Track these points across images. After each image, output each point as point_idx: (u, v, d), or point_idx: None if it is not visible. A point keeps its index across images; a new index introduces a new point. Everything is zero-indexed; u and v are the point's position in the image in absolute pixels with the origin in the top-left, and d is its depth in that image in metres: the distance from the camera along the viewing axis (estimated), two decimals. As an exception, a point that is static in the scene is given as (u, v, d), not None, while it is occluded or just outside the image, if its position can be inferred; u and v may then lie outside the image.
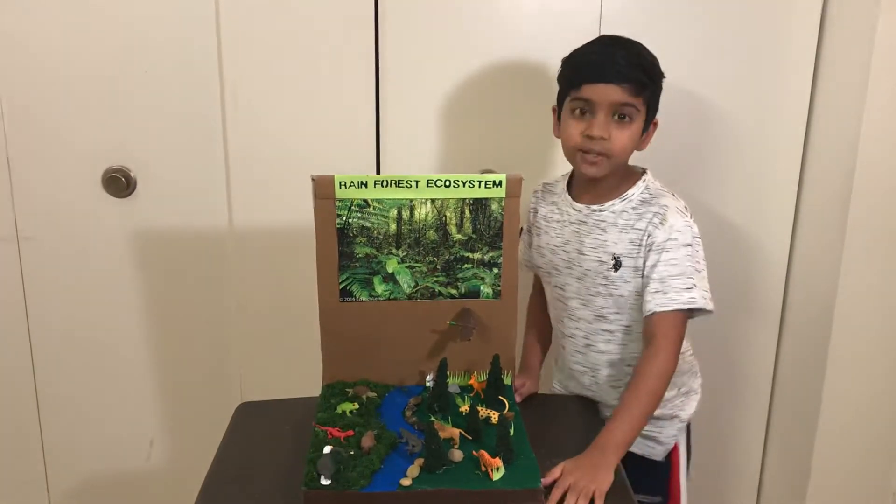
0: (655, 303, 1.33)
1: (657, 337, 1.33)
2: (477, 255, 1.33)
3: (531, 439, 1.21)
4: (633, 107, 1.34)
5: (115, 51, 1.70)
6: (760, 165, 1.80)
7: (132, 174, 1.78)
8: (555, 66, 1.70)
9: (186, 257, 1.84)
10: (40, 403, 1.92)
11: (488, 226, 1.31)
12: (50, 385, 1.91)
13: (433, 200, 1.29)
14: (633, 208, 1.39)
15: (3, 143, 1.75)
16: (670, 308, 1.33)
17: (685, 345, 1.46)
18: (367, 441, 1.18)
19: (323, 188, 1.27)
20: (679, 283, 1.33)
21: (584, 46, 1.39)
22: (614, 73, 1.32)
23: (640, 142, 1.40)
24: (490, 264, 1.33)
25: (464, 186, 1.28)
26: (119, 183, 1.77)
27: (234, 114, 1.73)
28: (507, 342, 1.36)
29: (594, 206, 1.42)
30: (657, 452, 1.51)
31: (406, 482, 1.12)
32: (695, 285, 1.33)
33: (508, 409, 1.28)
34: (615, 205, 1.40)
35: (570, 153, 1.39)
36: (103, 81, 1.72)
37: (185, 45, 1.71)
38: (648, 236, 1.36)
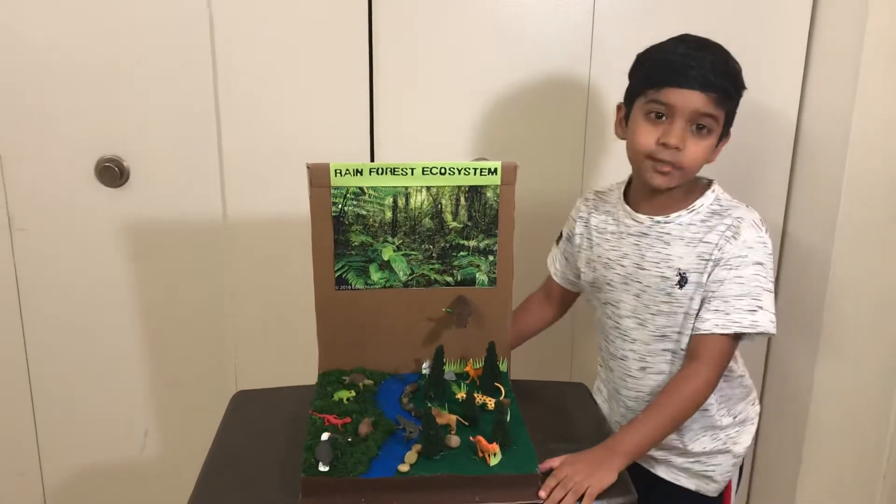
0: (714, 323, 1.26)
1: (703, 357, 1.26)
2: (472, 243, 1.33)
3: (527, 425, 1.22)
4: (713, 118, 1.25)
5: (108, 40, 1.69)
6: (751, 159, 1.81)
7: (125, 164, 1.77)
8: (548, 54, 1.72)
9: (180, 247, 1.83)
10: (34, 394, 1.92)
11: (484, 213, 1.31)
12: (44, 376, 1.91)
13: (429, 188, 1.29)
14: (703, 220, 1.30)
15: (-5, 134, 1.74)
16: (730, 331, 1.26)
17: (742, 369, 1.42)
18: (365, 428, 1.18)
19: (318, 176, 1.27)
20: (743, 305, 1.25)
21: (667, 44, 1.28)
22: (701, 78, 1.22)
23: (713, 153, 1.31)
24: (485, 252, 1.34)
25: (459, 174, 1.28)
26: (112, 173, 1.76)
27: (227, 103, 1.73)
28: (502, 329, 1.37)
29: (658, 218, 1.32)
30: (711, 489, 1.43)
31: (404, 468, 1.12)
32: (760, 307, 1.25)
33: (504, 396, 1.29)
34: (682, 216, 1.31)
35: (638, 159, 1.29)
36: (96, 71, 1.71)
37: (179, 34, 1.70)
38: (719, 250, 1.27)
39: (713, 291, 1.27)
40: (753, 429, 1.45)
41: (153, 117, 1.75)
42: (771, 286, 1.28)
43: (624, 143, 1.35)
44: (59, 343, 1.89)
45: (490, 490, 1.12)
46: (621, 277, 1.37)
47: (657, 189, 1.30)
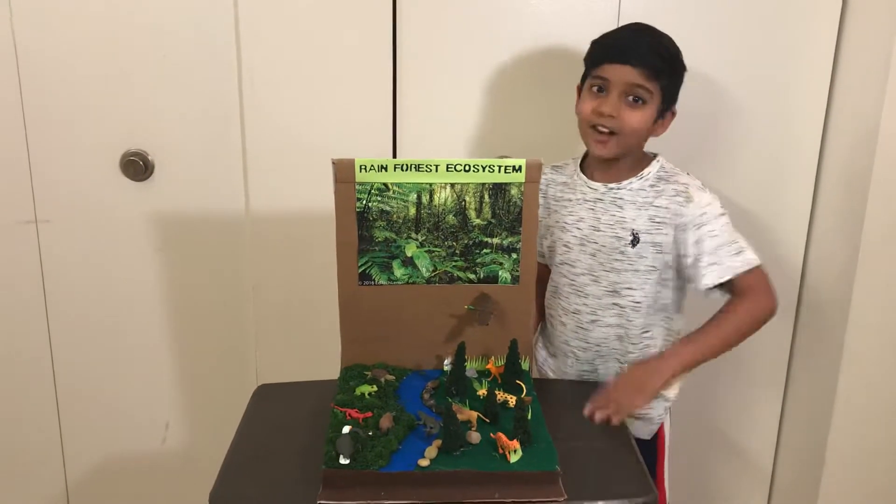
0: (716, 275, 1.40)
1: (749, 287, 1.40)
2: (496, 240, 1.33)
3: (548, 423, 1.22)
4: (645, 89, 1.38)
5: (134, 35, 1.71)
6: (777, 158, 1.80)
7: (150, 158, 1.79)
8: (572, 53, 1.71)
9: (203, 241, 1.85)
10: (58, 386, 1.94)
11: (507, 211, 1.31)
12: (67, 368, 1.93)
13: (453, 185, 1.30)
14: (651, 185, 1.44)
15: (23, 128, 1.76)
16: (735, 273, 1.39)
17: (679, 325, 1.54)
18: (386, 422, 1.19)
19: (343, 172, 1.28)
20: (728, 251, 1.40)
21: (613, 30, 1.48)
22: (633, 55, 1.37)
23: (655, 128, 1.44)
24: (509, 249, 1.34)
25: (483, 171, 1.29)
26: (137, 167, 1.78)
27: (251, 98, 1.74)
28: (524, 327, 1.37)
29: (611, 185, 1.46)
30: (645, 432, 1.54)
31: (424, 463, 1.13)
32: (742, 248, 1.40)
33: (526, 394, 1.29)
34: (633, 183, 1.45)
35: (583, 129, 1.45)
36: (122, 66, 1.73)
37: (204, 28, 1.71)
38: (676, 216, 1.41)
39: (697, 253, 1.41)
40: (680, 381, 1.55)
41: (178, 112, 1.76)
42: (735, 232, 1.43)
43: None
44: (83, 335, 1.91)
45: (510, 487, 1.12)
46: (577, 239, 1.49)
47: (602, 158, 1.44)
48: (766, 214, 1.83)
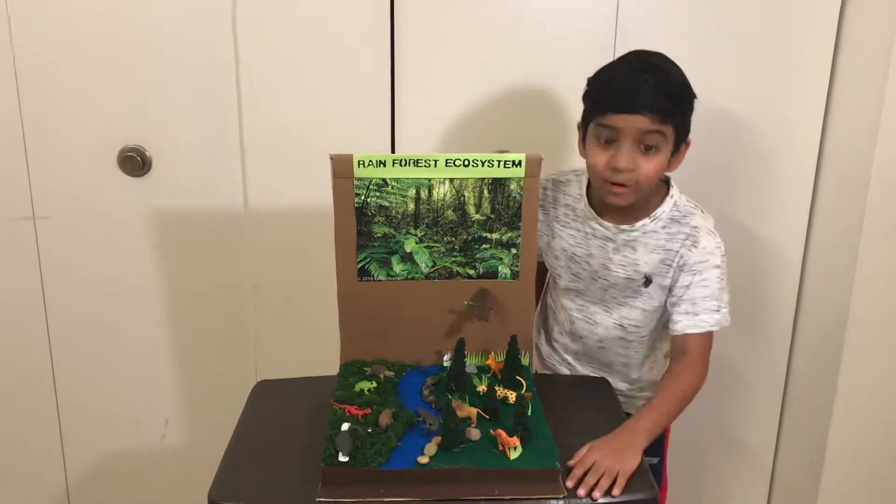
0: (686, 323, 1.38)
1: (691, 353, 1.37)
2: (495, 236, 1.32)
3: (548, 420, 1.22)
4: (660, 134, 1.30)
5: (131, 30, 1.70)
6: (775, 164, 1.79)
7: (147, 154, 1.78)
8: (569, 49, 1.71)
9: (202, 237, 1.84)
10: (57, 383, 1.93)
11: (507, 206, 1.30)
12: (66, 364, 1.92)
13: (452, 180, 1.29)
14: (663, 227, 1.40)
15: (20, 124, 1.75)
16: (701, 330, 1.38)
17: (666, 348, 1.52)
18: (385, 419, 1.18)
19: (341, 167, 1.27)
20: (709, 305, 1.38)
21: (610, 68, 1.36)
22: (640, 102, 1.28)
23: (671, 164, 1.37)
24: (508, 245, 1.33)
25: (482, 166, 1.28)
26: (134, 162, 1.77)
27: (249, 93, 1.73)
28: (524, 323, 1.36)
29: (623, 226, 1.40)
30: None
31: (423, 460, 1.12)
32: (720, 308, 1.38)
33: (526, 390, 1.28)
34: (646, 225, 1.40)
35: (596, 181, 1.37)
36: (119, 61, 1.71)
37: (202, 24, 1.70)
38: (680, 258, 1.39)
39: (681, 295, 1.39)
40: None
41: (175, 107, 1.75)
42: (726, 285, 1.40)
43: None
44: (82, 331, 1.90)
45: (509, 483, 1.11)
46: (588, 273, 1.46)
47: (618, 206, 1.38)
48: (765, 213, 1.82)
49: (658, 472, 1.58)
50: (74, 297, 1.88)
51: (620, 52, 1.70)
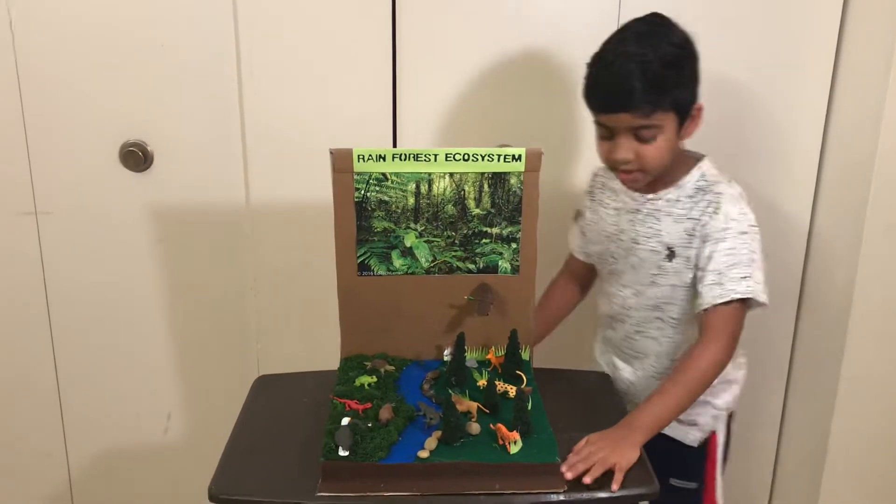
0: (712, 295, 1.30)
1: (714, 327, 1.30)
2: (495, 230, 1.32)
3: (548, 414, 1.22)
4: (651, 126, 1.28)
5: (132, 25, 1.70)
6: (778, 155, 1.78)
7: (149, 149, 1.78)
8: (571, 43, 1.70)
9: (203, 232, 1.84)
10: (59, 377, 1.94)
11: (507, 200, 1.30)
12: (69, 359, 1.93)
13: (452, 174, 1.29)
14: (689, 196, 1.36)
15: (21, 119, 1.75)
16: (727, 299, 1.29)
17: None
18: (385, 413, 1.18)
19: (341, 162, 1.27)
20: (735, 273, 1.29)
21: (593, 62, 1.32)
22: (621, 102, 1.27)
23: (683, 133, 1.34)
24: (508, 239, 1.33)
25: (483, 160, 1.28)
26: (136, 157, 1.77)
27: (251, 88, 1.73)
28: (524, 317, 1.36)
29: (649, 195, 1.39)
30: (691, 438, 1.47)
31: (423, 454, 1.13)
32: (750, 275, 1.29)
33: (526, 384, 1.28)
34: (669, 193, 1.37)
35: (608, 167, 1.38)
36: (120, 56, 1.71)
37: (203, 18, 1.70)
38: (702, 226, 1.33)
39: (705, 267, 1.32)
40: (737, 390, 1.50)
41: (177, 102, 1.75)
42: (758, 256, 1.31)
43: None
44: (84, 326, 1.91)
45: (510, 478, 1.12)
46: (622, 251, 1.43)
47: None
48: (767, 210, 1.79)
49: (697, 500, 1.52)
50: (76, 292, 1.88)
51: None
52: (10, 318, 1.89)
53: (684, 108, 1.32)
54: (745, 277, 1.29)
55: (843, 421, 1.78)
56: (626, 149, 1.30)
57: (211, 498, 1.14)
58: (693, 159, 1.39)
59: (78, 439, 1.99)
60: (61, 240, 1.84)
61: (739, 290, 1.28)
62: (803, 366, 1.91)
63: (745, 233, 1.31)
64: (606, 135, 1.32)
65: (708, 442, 1.50)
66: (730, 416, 1.52)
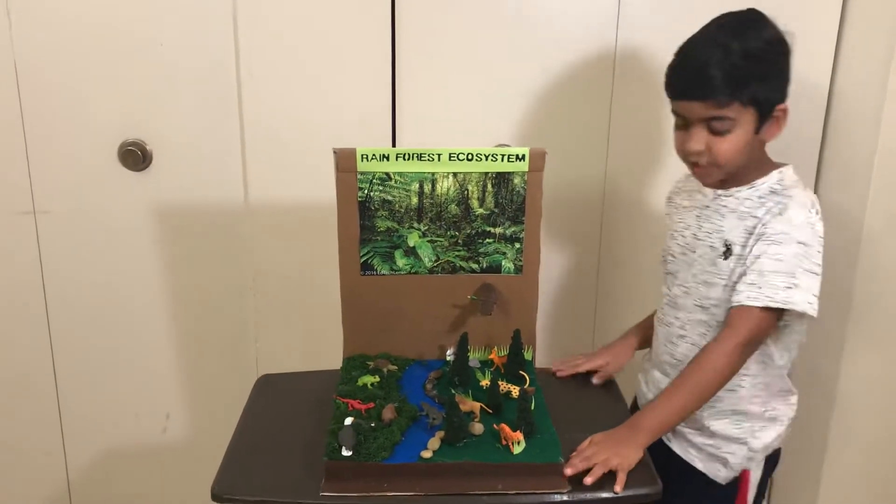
0: (746, 294, 1.24)
1: (733, 327, 1.25)
2: (499, 230, 1.32)
3: (551, 414, 1.22)
4: (725, 118, 1.25)
5: (131, 23, 1.69)
6: (780, 147, 1.77)
7: (148, 148, 1.77)
8: (573, 41, 1.70)
9: (203, 231, 1.84)
10: (58, 376, 1.93)
11: (510, 200, 1.30)
12: (67, 358, 1.92)
13: (455, 174, 1.29)
14: (760, 197, 1.31)
15: (20, 118, 1.74)
16: (760, 304, 1.23)
17: (784, 361, 1.38)
18: (388, 413, 1.18)
19: (345, 161, 1.27)
20: (779, 281, 1.23)
21: (680, 50, 1.30)
22: (697, 91, 1.25)
23: (763, 135, 1.30)
24: (512, 239, 1.33)
25: (486, 160, 1.28)
26: (135, 156, 1.77)
27: (249, 87, 1.72)
28: (527, 317, 1.36)
29: (720, 192, 1.34)
30: (720, 476, 1.39)
31: (427, 454, 1.12)
32: (797, 285, 1.23)
33: (529, 384, 1.28)
34: (741, 191, 1.32)
35: (684, 163, 1.34)
36: (119, 54, 1.71)
37: (202, 17, 1.69)
38: (763, 225, 1.27)
39: (750, 265, 1.26)
40: (782, 430, 1.40)
41: (176, 101, 1.74)
42: (816, 269, 1.26)
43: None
44: (82, 325, 1.90)
45: (513, 478, 1.11)
46: (680, 248, 1.40)
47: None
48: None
49: None
50: (75, 291, 1.87)
51: (622, 48, 1.71)
52: (9, 318, 1.88)
53: (765, 106, 1.28)
54: (788, 287, 1.23)
55: (843, 421, 1.79)
56: (698, 140, 1.27)
57: (214, 497, 1.14)
58: (774, 165, 1.34)
59: (76, 439, 1.98)
60: (60, 239, 1.83)
61: (777, 299, 1.23)
62: (803, 366, 1.91)
63: (805, 244, 1.25)
64: (681, 124, 1.30)
65: (739, 481, 1.41)
66: (771, 459, 1.43)
